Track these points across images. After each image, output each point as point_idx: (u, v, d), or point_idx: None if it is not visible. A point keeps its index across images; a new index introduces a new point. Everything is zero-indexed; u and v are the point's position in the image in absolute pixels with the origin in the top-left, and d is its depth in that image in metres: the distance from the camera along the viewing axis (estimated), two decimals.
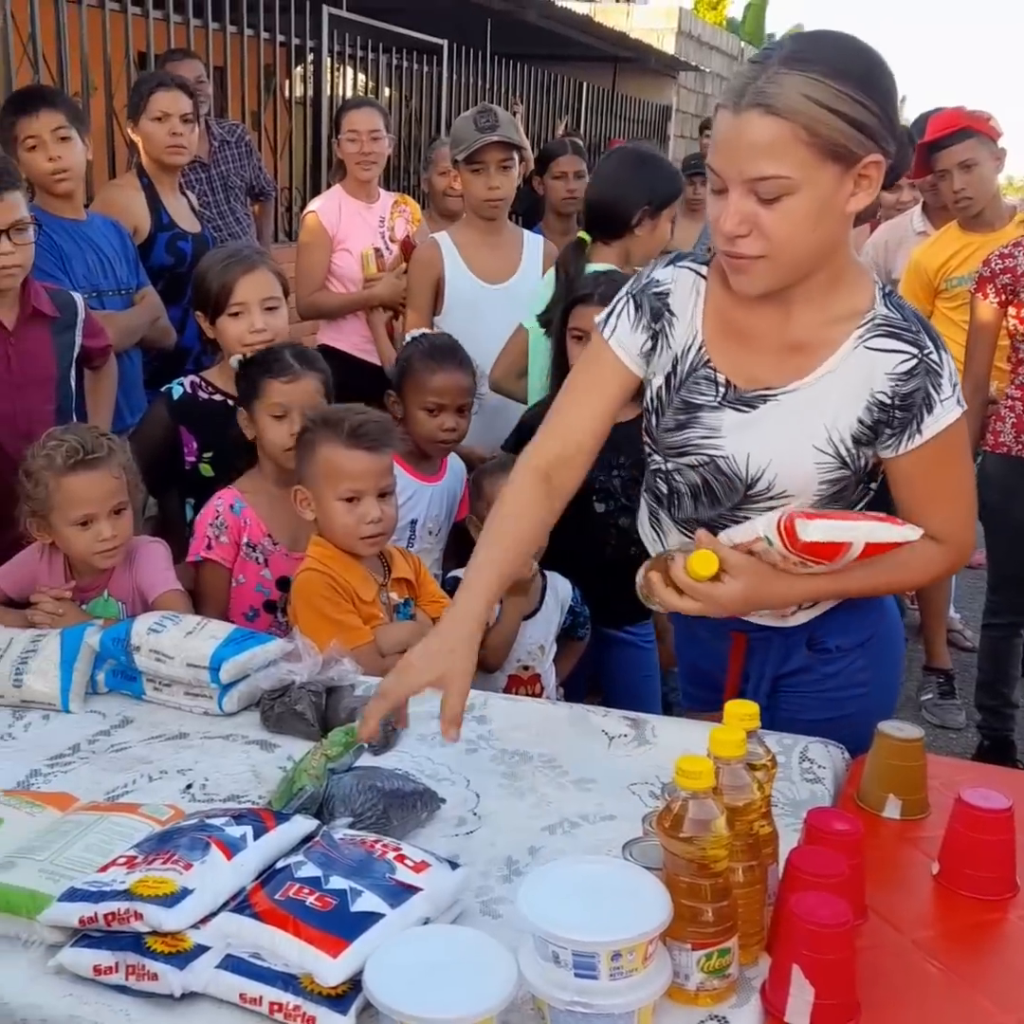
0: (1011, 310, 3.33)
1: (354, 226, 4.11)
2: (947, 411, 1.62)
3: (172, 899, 1.21)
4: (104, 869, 1.29)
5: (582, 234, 3.05)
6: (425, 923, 1.24)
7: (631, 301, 1.74)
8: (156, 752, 1.75)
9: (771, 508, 1.69)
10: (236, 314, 2.62)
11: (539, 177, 4.58)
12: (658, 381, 1.76)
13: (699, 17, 13.81)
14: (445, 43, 8.03)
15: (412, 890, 1.25)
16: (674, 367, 1.73)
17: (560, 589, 2.61)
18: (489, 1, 8.09)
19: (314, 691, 1.81)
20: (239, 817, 1.37)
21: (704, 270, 1.73)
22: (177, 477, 2.64)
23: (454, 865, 1.34)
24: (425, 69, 7.91)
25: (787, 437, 1.66)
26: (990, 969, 1.29)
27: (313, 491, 2.24)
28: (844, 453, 1.66)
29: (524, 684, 2.49)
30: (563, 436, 1.76)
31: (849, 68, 1.47)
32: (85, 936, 1.24)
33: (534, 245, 3.49)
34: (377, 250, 4.05)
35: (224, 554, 2.36)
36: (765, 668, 1.87)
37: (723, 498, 1.75)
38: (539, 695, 2.48)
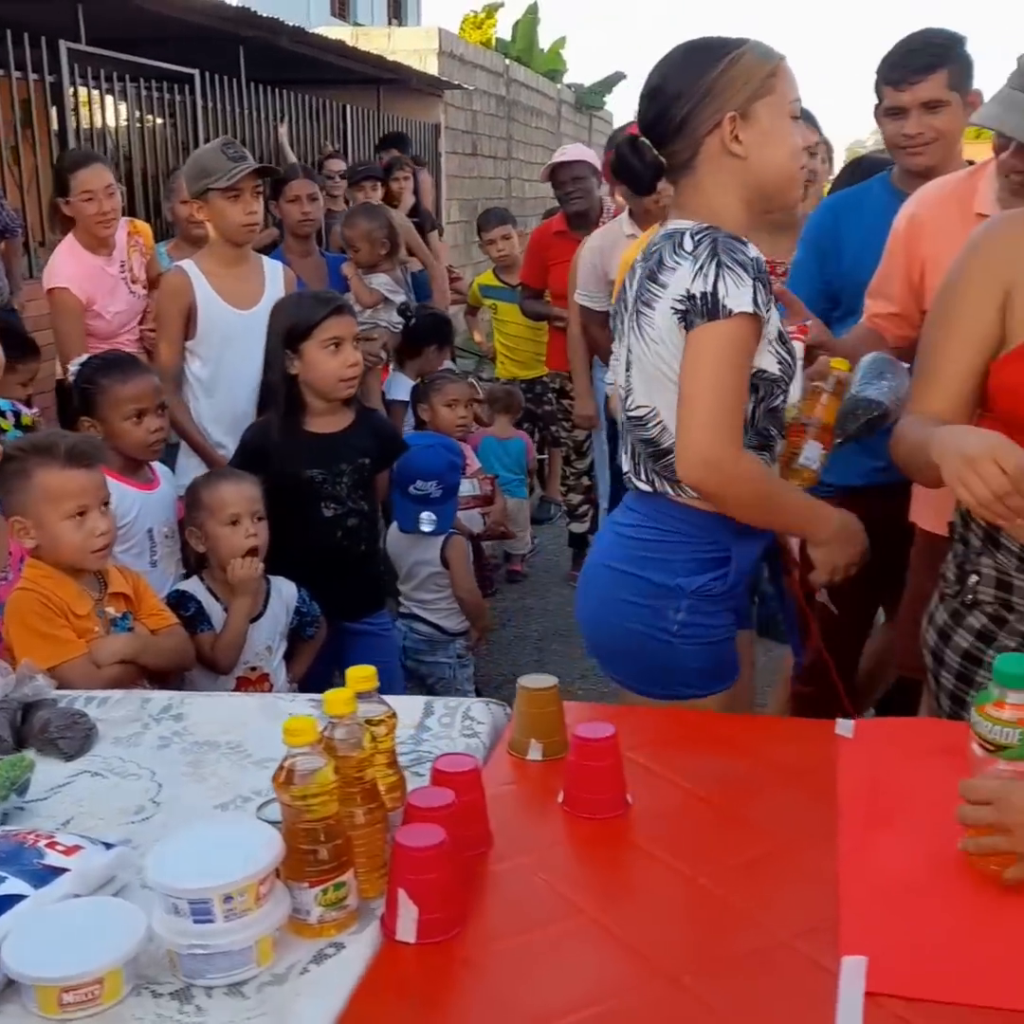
0: None
1: (100, 283, 4.13)
2: None
3: None
4: None
5: None
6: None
7: (759, 285, 1.90)
8: None
9: None
10: None
11: (274, 201, 4.67)
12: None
13: (463, 37, 14.14)
14: (197, 72, 8.03)
15: (59, 872, 1.34)
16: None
17: (284, 591, 2.72)
18: (239, 29, 8.14)
19: (7, 709, 1.88)
20: None
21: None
22: None
23: (110, 846, 1.44)
24: (179, 98, 7.91)
25: None
26: (593, 876, 1.47)
27: (32, 518, 2.29)
28: None
29: (253, 684, 2.60)
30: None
31: None
32: None
33: (274, 270, 3.57)
34: None
35: None
36: None
37: None
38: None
